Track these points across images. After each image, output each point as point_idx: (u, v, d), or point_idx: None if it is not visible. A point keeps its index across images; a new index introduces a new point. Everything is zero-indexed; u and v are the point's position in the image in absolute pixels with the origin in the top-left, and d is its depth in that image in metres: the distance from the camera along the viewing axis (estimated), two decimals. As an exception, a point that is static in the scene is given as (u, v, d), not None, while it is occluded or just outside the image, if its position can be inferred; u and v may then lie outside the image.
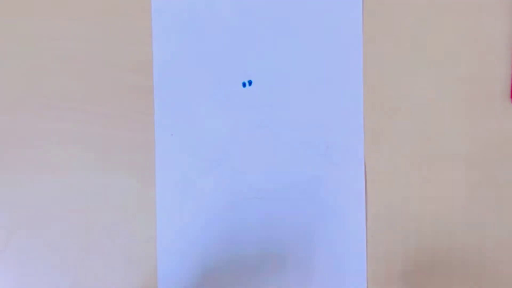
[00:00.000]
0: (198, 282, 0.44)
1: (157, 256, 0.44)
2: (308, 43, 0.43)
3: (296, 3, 0.43)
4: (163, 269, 0.43)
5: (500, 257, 0.42)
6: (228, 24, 0.43)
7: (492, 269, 0.42)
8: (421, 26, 0.43)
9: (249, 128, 0.43)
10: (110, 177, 0.44)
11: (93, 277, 0.44)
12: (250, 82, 0.43)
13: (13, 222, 0.44)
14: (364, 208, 0.43)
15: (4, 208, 0.44)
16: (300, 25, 0.43)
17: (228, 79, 0.43)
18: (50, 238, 0.44)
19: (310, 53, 0.43)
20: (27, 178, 0.44)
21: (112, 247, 0.44)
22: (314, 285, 0.43)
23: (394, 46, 0.43)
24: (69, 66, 0.44)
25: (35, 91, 0.44)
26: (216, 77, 0.43)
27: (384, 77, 0.43)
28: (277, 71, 0.43)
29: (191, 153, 0.44)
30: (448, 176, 0.42)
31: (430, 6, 0.42)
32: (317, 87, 0.43)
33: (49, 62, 0.44)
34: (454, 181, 0.42)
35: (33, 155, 0.44)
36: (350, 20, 0.43)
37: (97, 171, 0.44)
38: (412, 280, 0.43)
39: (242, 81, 0.43)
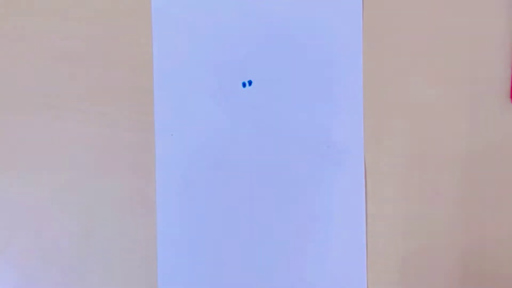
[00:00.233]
0: (198, 282, 0.43)
1: (157, 256, 0.44)
2: (308, 43, 0.43)
3: (296, 3, 0.43)
4: (163, 269, 0.43)
5: (500, 257, 0.42)
6: (228, 24, 0.43)
7: (492, 269, 0.42)
8: (421, 26, 0.43)
9: (249, 128, 0.43)
10: (110, 177, 0.44)
11: (93, 277, 0.44)
12: (250, 82, 0.43)
13: (13, 222, 0.44)
14: (364, 208, 0.43)
15: (4, 208, 0.44)
16: (300, 25, 0.43)
17: (228, 79, 0.43)
18: (50, 238, 0.44)
19: (310, 53, 0.43)
20: (27, 178, 0.44)
21: (112, 247, 0.44)
22: (314, 285, 0.43)
23: (394, 46, 0.43)
24: (69, 66, 0.44)
25: (35, 91, 0.44)
26: (216, 77, 0.43)
27: (384, 77, 0.43)
28: (277, 71, 0.43)
29: (191, 153, 0.44)
30: (448, 176, 0.42)
31: (430, 6, 0.42)
32: (317, 87, 0.43)
33: (49, 62, 0.44)
34: (454, 181, 0.42)
35: (33, 155, 0.44)
36: (350, 20, 0.43)
37: (97, 171, 0.44)
38: (412, 280, 0.43)
39: (242, 81, 0.43)
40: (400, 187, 0.43)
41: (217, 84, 0.43)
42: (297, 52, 0.43)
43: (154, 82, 0.44)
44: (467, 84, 0.42)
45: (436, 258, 0.42)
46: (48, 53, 0.44)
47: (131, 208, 0.44)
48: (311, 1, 0.43)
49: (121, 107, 0.44)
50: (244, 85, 0.43)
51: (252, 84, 0.43)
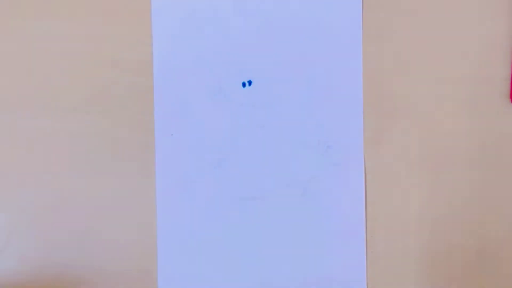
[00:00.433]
0: (198, 281, 0.43)
1: (157, 256, 0.44)
2: (308, 43, 0.43)
3: (296, 3, 0.43)
4: (163, 269, 0.43)
5: (500, 257, 0.42)
6: (228, 24, 0.43)
7: (492, 269, 0.42)
8: (421, 26, 0.43)
9: (249, 128, 0.43)
10: (110, 177, 0.44)
11: (93, 277, 0.44)
12: (250, 82, 0.43)
13: (13, 222, 0.44)
14: (364, 208, 0.43)
15: (4, 208, 0.44)
16: (300, 25, 0.43)
17: (228, 79, 0.43)
18: (50, 238, 0.44)
19: (310, 53, 0.43)
20: (27, 178, 0.44)
21: (112, 247, 0.44)
22: (314, 285, 0.43)
23: (394, 46, 0.43)
24: (69, 66, 0.44)
25: (35, 91, 0.44)
26: (216, 77, 0.43)
27: (384, 77, 0.43)
28: (277, 71, 0.43)
29: (191, 153, 0.44)
30: (448, 176, 0.42)
31: (430, 6, 0.42)
32: (317, 87, 0.43)
33: (49, 62, 0.44)
34: (454, 181, 0.42)
35: (33, 155, 0.44)
36: (350, 20, 0.43)
37: (97, 171, 0.44)
38: (412, 280, 0.43)
39: (242, 81, 0.43)
40: (400, 187, 0.43)
41: (217, 84, 0.43)
42: (297, 52, 0.43)
43: (154, 82, 0.44)
44: (467, 84, 0.42)
45: (435, 258, 0.42)
46: (48, 53, 0.44)
47: (131, 208, 0.44)
48: (311, 2, 0.43)
49: (121, 107, 0.44)
50: (244, 85, 0.43)
51: (252, 84, 0.43)
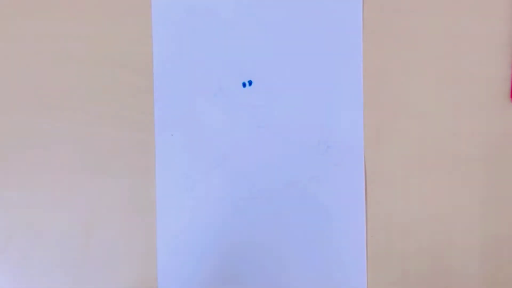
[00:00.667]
0: (198, 281, 0.43)
1: (157, 256, 0.44)
2: (308, 43, 0.43)
3: (296, 3, 0.43)
4: (163, 269, 0.43)
5: (500, 257, 0.42)
6: (228, 24, 0.43)
7: (492, 269, 0.42)
8: (421, 26, 0.43)
9: (249, 128, 0.43)
10: (110, 177, 0.44)
11: (93, 277, 0.44)
12: (250, 82, 0.43)
13: (13, 222, 0.44)
14: (364, 208, 0.43)
15: (4, 208, 0.44)
16: (300, 25, 0.43)
17: (228, 79, 0.43)
18: (50, 238, 0.44)
19: (310, 53, 0.43)
20: (27, 178, 0.44)
21: (112, 247, 0.44)
22: (314, 285, 0.43)
23: (394, 46, 0.43)
24: (69, 66, 0.44)
25: (35, 91, 0.44)
26: (216, 77, 0.43)
27: (384, 77, 0.43)
28: (277, 71, 0.43)
29: (191, 153, 0.44)
30: (448, 176, 0.42)
31: (430, 5, 0.42)
32: (317, 87, 0.43)
33: (49, 62, 0.44)
34: (454, 181, 0.42)
35: (33, 155, 0.44)
36: (350, 20, 0.43)
37: (97, 171, 0.44)
38: (412, 280, 0.43)
39: (242, 81, 0.43)
40: (400, 187, 0.43)
41: (217, 84, 0.43)
42: (297, 52, 0.43)
43: (154, 82, 0.44)
44: (467, 84, 0.42)
45: (436, 258, 0.43)
46: (48, 53, 0.44)
47: (131, 208, 0.44)
48: (311, 2, 0.43)
49: (121, 107, 0.44)
50: (244, 85, 0.43)
51: (252, 84, 0.43)
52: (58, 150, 0.44)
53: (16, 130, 0.44)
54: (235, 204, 0.43)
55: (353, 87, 0.43)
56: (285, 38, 0.43)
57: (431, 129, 0.43)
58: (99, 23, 0.44)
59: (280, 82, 0.43)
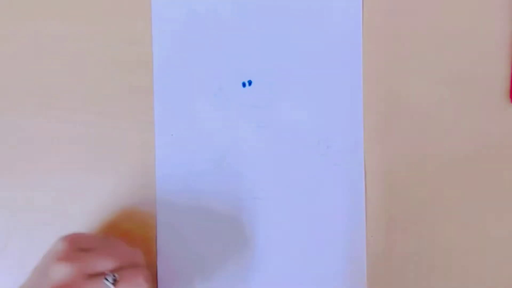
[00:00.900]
0: (198, 282, 0.43)
1: (157, 256, 0.43)
2: (308, 43, 0.43)
3: (296, 3, 0.43)
4: (163, 269, 0.43)
5: (500, 257, 0.42)
6: (228, 24, 0.43)
7: (492, 269, 0.42)
8: (421, 26, 0.43)
9: (249, 128, 0.43)
10: (110, 177, 0.44)
11: (93, 277, 0.44)
12: (250, 82, 0.43)
13: (13, 222, 0.44)
14: (364, 208, 0.43)
15: (4, 208, 0.44)
16: (300, 25, 0.43)
17: (228, 79, 0.43)
18: (50, 238, 0.44)
19: (310, 53, 0.43)
20: (27, 178, 0.44)
21: (112, 247, 0.44)
22: (315, 285, 0.43)
23: (394, 46, 0.43)
24: (69, 66, 0.44)
25: (35, 91, 0.44)
26: (216, 77, 0.43)
27: (384, 77, 0.43)
28: (277, 71, 0.43)
29: (191, 153, 0.44)
30: (448, 176, 0.42)
31: (430, 5, 0.42)
32: (317, 87, 0.43)
33: (49, 62, 0.44)
34: (454, 181, 0.42)
35: (33, 155, 0.44)
36: (350, 20, 0.43)
37: (97, 171, 0.44)
38: (412, 280, 0.43)
39: (242, 81, 0.43)
40: (400, 187, 0.43)
41: (217, 84, 0.43)
42: (297, 52, 0.43)
43: (154, 82, 0.44)
44: (467, 84, 0.42)
45: (435, 258, 0.43)
46: (48, 53, 0.44)
47: (131, 208, 0.44)
48: (311, 2, 0.43)
49: (121, 107, 0.44)
50: (244, 85, 0.43)
51: (252, 84, 0.43)
52: (58, 150, 0.44)
53: (16, 130, 0.44)
54: (235, 204, 0.43)
55: (353, 87, 0.43)
56: (285, 38, 0.43)
57: (431, 129, 0.43)
58: (99, 23, 0.44)
59: (280, 82, 0.43)
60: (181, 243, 0.43)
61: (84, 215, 0.44)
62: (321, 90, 0.43)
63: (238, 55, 0.43)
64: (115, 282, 0.33)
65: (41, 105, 0.44)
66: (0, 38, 0.44)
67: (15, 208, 0.44)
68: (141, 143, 0.44)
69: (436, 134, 0.42)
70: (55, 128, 0.44)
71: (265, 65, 0.43)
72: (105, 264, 0.34)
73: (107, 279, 0.32)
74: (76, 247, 0.35)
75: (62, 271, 0.33)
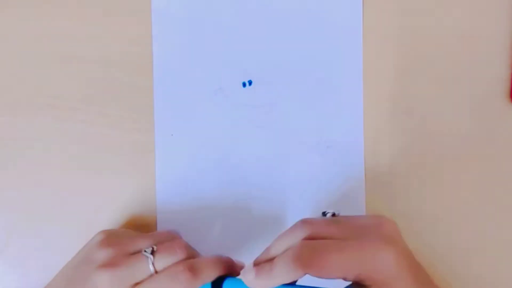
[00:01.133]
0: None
1: (157, 256, 0.43)
2: (308, 43, 0.43)
3: (296, 3, 0.43)
4: (163, 269, 0.43)
5: (500, 257, 0.42)
6: (228, 24, 0.43)
7: (492, 269, 0.42)
8: (421, 26, 0.43)
9: (249, 128, 0.43)
10: (110, 177, 0.44)
11: (93, 277, 0.44)
12: (250, 82, 0.43)
13: (13, 222, 0.44)
14: (364, 208, 0.43)
15: (4, 208, 0.44)
16: (300, 25, 0.43)
17: (228, 79, 0.43)
18: (50, 238, 0.44)
19: (310, 53, 0.43)
20: (27, 178, 0.44)
21: (112, 247, 0.44)
22: (315, 285, 0.43)
23: (394, 46, 0.43)
24: (69, 66, 0.44)
25: (35, 91, 0.44)
26: (216, 77, 0.43)
27: (384, 77, 0.43)
28: (277, 71, 0.43)
29: (191, 153, 0.44)
30: (448, 176, 0.42)
31: (430, 6, 0.42)
32: (317, 87, 0.43)
33: (49, 62, 0.44)
34: (454, 181, 0.42)
35: (33, 155, 0.44)
36: (350, 20, 0.43)
37: (97, 171, 0.44)
38: (412, 280, 0.43)
39: (242, 81, 0.43)
40: (400, 187, 0.43)
41: (217, 84, 0.43)
42: (297, 52, 0.43)
43: (154, 82, 0.44)
44: (467, 84, 0.42)
45: (436, 258, 0.42)
46: (48, 53, 0.44)
47: (131, 208, 0.44)
48: (311, 2, 0.43)
49: (121, 107, 0.44)
50: (244, 85, 0.43)
51: (252, 84, 0.43)
52: (58, 150, 0.44)
53: (16, 130, 0.44)
54: (235, 204, 0.43)
55: (353, 87, 0.43)
56: (285, 38, 0.43)
57: (431, 129, 0.43)
58: (99, 23, 0.44)
59: (280, 82, 0.43)
60: (181, 243, 0.43)
61: (84, 215, 0.44)
62: (321, 90, 0.43)
63: (238, 55, 0.43)
64: (153, 253, 0.35)
65: (41, 105, 0.44)
66: (0, 38, 0.44)
67: (15, 208, 0.44)
68: (141, 143, 0.44)
69: (436, 134, 0.42)
70: (55, 128, 0.44)
71: (265, 65, 0.43)
72: (144, 242, 0.37)
73: (145, 251, 0.35)
74: (114, 235, 0.38)
75: (105, 253, 0.35)
